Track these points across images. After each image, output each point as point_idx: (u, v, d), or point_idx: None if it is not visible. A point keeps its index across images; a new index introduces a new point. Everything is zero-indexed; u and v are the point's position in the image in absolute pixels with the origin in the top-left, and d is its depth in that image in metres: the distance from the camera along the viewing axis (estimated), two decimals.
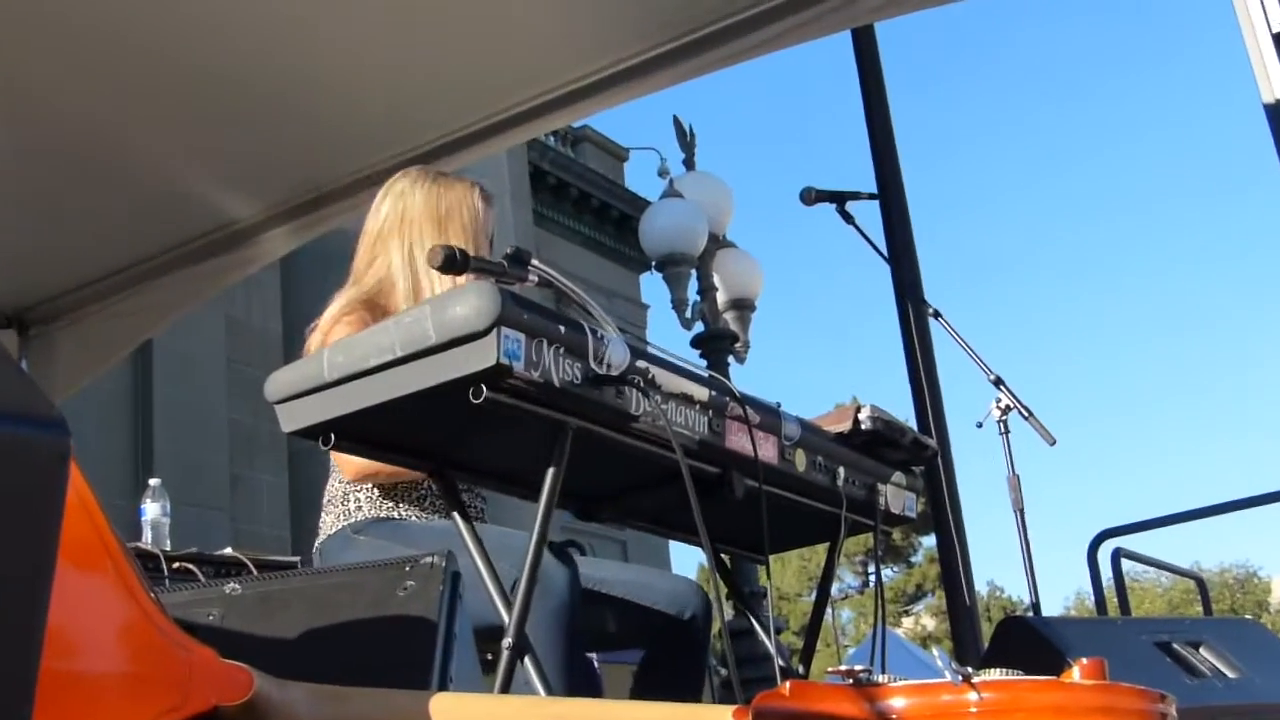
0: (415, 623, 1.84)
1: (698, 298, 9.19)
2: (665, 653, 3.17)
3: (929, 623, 39.36)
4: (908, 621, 39.57)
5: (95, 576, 1.36)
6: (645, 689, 3.15)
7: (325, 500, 3.19)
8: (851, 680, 1.58)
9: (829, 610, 3.31)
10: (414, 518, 3.09)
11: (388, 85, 4.60)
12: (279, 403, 2.33)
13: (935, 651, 1.56)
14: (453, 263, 2.24)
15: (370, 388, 2.22)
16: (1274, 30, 6.71)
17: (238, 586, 1.98)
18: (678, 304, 9.00)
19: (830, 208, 4.70)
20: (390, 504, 3.10)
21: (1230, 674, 3.21)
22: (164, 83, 4.39)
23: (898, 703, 1.56)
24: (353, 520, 3.08)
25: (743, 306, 9.22)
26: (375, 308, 3.11)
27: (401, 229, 3.21)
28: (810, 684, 1.59)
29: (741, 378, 10.66)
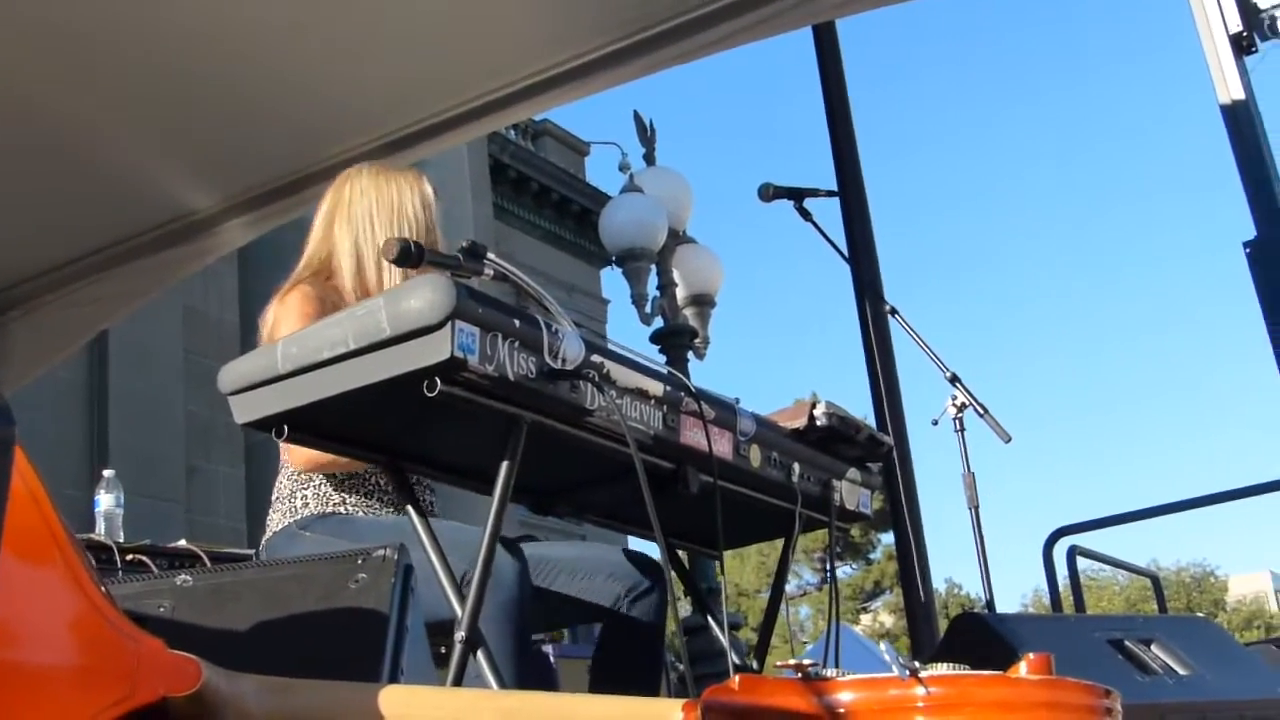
0: (367, 615, 1.83)
1: (657, 293, 9.19)
2: (620, 644, 3.18)
3: (887, 620, 39.49)
4: (865, 618, 39.71)
5: (42, 567, 1.35)
6: (601, 684, 3.16)
7: (274, 497, 3.17)
8: (801, 674, 1.59)
9: (784, 606, 3.32)
10: (361, 513, 3.07)
11: (347, 77, 4.59)
12: (233, 394, 2.33)
13: (883, 646, 1.56)
14: (408, 255, 2.24)
15: (324, 380, 2.21)
16: (1231, 32, 6.77)
17: (189, 578, 1.97)
18: (637, 299, 9.00)
19: (790, 204, 4.71)
20: (338, 499, 3.08)
21: (1182, 671, 3.24)
22: (123, 74, 4.37)
23: (845, 697, 1.57)
24: (299, 517, 3.06)
25: (702, 302, 9.23)
26: (325, 285, 3.12)
27: (349, 220, 3.23)
28: (760, 678, 1.60)
29: (701, 374, 10.69)
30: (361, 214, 3.23)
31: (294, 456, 3.09)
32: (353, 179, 3.28)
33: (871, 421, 5.64)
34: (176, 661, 1.39)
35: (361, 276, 3.17)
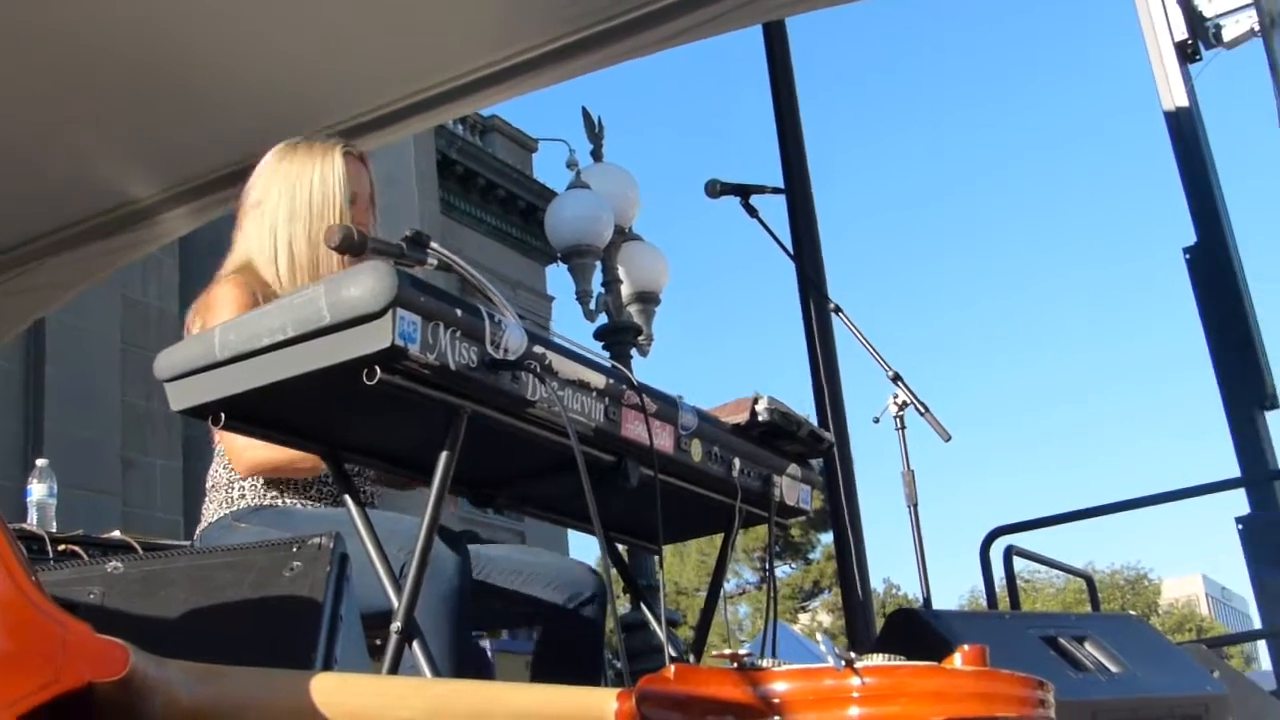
0: (301, 603, 1.82)
1: (602, 290, 9.18)
2: (559, 643, 3.17)
3: (825, 619, 39.67)
4: (804, 617, 39.88)
5: None
6: (541, 678, 3.15)
7: (209, 486, 3.12)
8: (736, 664, 1.59)
9: (722, 601, 3.32)
10: (299, 505, 3.05)
11: (290, 69, 4.55)
12: (169, 381, 2.30)
13: (819, 638, 1.57)
14: (350, 243, 2.22)
15: (262, 367, 2.19)
16: (1176, 40, 6.83)
17: (120, 565, 1.94)
18: (582, 296, 8.98)
19: (737, 201, 4.71)
20: (275, 492, 3.05)
21: (1114, 668, 3.27)
22: (63, 62, 4.32)
23: (780, 687, 1.57)
24: (235, 508, 3.03)
25: (647, 300, 9.22)
26: (249, 284, 3.08)
27: (263, 201, 3.19)
28: (695, 668, 1.60)
29: (645, 372, 10.68)
30: (263, 201, 3.19)
31: (236, 461, 3.04)
32: (261, 166, 3.24)
33: (814, 420, 5.66)
34: (104, 647, 1.37)
35: (278, 265, 3.12)
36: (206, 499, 3.12)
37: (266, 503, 3.04)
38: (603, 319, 9.10)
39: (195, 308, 3.13)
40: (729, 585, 35.31)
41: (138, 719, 1.43)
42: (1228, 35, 6.61)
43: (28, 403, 12.79)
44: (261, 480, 3.06)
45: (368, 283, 2.07)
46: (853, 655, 1.58)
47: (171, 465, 13.81)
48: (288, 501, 3.05)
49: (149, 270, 13.57)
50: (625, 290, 9.18)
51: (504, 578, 3.11)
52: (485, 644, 5.91)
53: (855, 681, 1.58)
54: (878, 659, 1.60)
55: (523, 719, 1.60)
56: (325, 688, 1.54)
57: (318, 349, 2.13)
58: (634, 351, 9.02)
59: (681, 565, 36.20)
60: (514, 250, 23.34)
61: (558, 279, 24.63)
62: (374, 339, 2.07)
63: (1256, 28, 6.34)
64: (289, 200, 3.15)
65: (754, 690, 1.56)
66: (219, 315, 2.91)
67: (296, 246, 3.12)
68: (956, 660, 1.62)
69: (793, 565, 39.11)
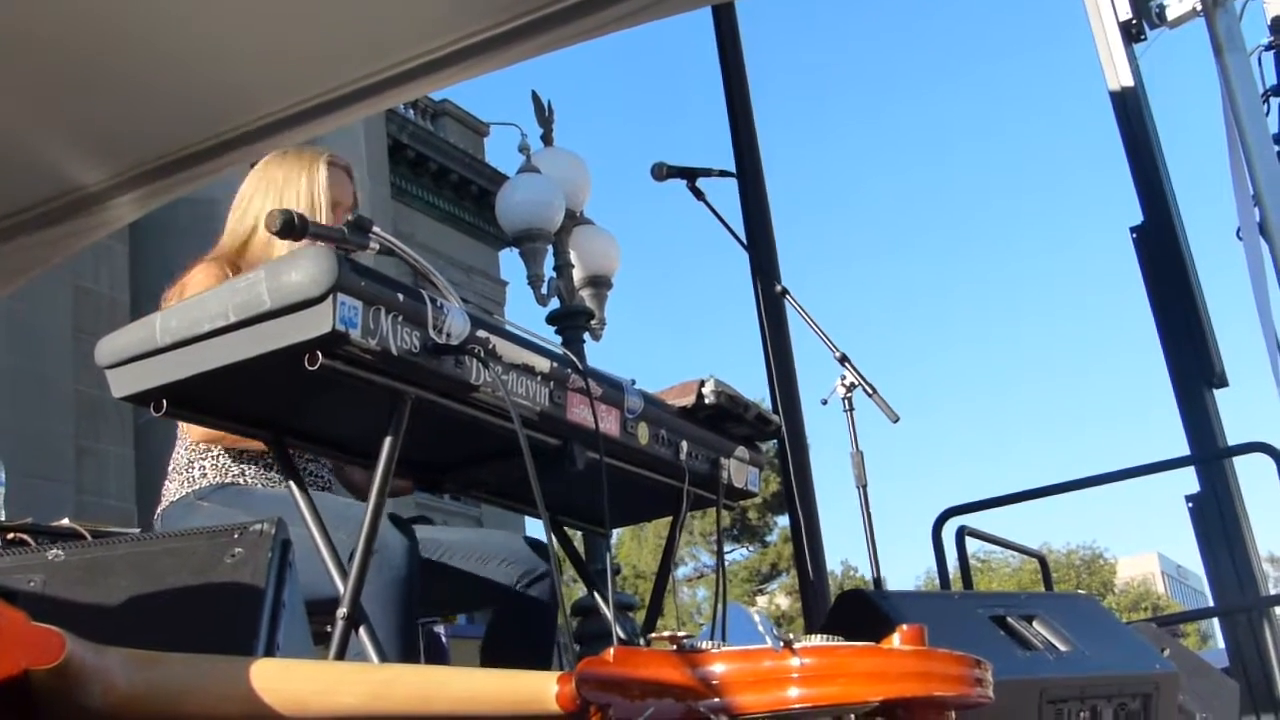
0: (242, 590, 1.81)
1: (554, 274, 9.15)
2: (510, 624, 3.18)
3: (783, 601, 39.84)
4: (762, 600, 40.01)
5: None
6: (491, 661, 3.16)
7: (170, 468, 3.17)
8: (676, 646, 1.60)
9: (672, 583, 3.33)
10: (260, 484, 3.07)
11: (238, 53, 4.50)
12: (110, 367, 2.29)
13: (757, 618, 1.58)
14: (290, 228, 2.21)
15: (203, 353, 2.18)
16: (1120, 20, 6.86)
17: (60, 553, 1.93)
18: (534, 280, 8.95)
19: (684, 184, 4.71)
20: (236, 470, 3.08)
21: (1062, 647, 3.30)
22: (6, 48, 4.27)
23: (719, 668, 1.58)
24: (197, 487, 3.05)
25: (599, 284, 9.20)
26: (230, 268, 3.13)
27: (249, 206, 3.34)
28: (635, 650, 1.60)
29: (597, 356, 10.69)
30: (248, 200, 3.36)
31: (191, 429, 3.08)
32: (252, 170, 3.34)
33: (768, 403, 5.68)
34: (40, 634, 1.37)
35: (255, 263, 3.17)
36: (168, 480, 3.15)
37: (229, 480, 3.06)
38: (555, 303, 9.07)
39: (167, 294, 3.16)
40: (686, 569, 35.40)
41: (76, 706, 1.43)
42: (1171, 15, 6.66)
43: None
44: (223, 459, 3.08)
45: (308, 268, 2.07)
46: (792, 636, 1.60)
47: (124, 453, 13.72)
48: (249, 480, 3.07)
49: (100, 258, 13.47)
50: (577, 274, 9.16)
51: (458, 559, 3.12)
52: (440, 630, 5.90)
53: (794, 662, 1.59)
54: (816, 640, 1.61)
55: (465, 703, 1.61)
56: (266, 673, 1.54)
57: (259, 334, 2.13)
58: (587, 336, 9.01)
59: (639, 549, 36.27)
60: (467, 235, 23.29)
61: (510, 264, 24.60)
62: (315, 324, 2.07)
63: (1199, 7, 6.39)
64: (277, 201, 3.26)
65: (693, 672, 1.57)
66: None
67: (275, 245, 3.16)
68: (895, 640, 1.63)
69: (750, 548, 39.25)
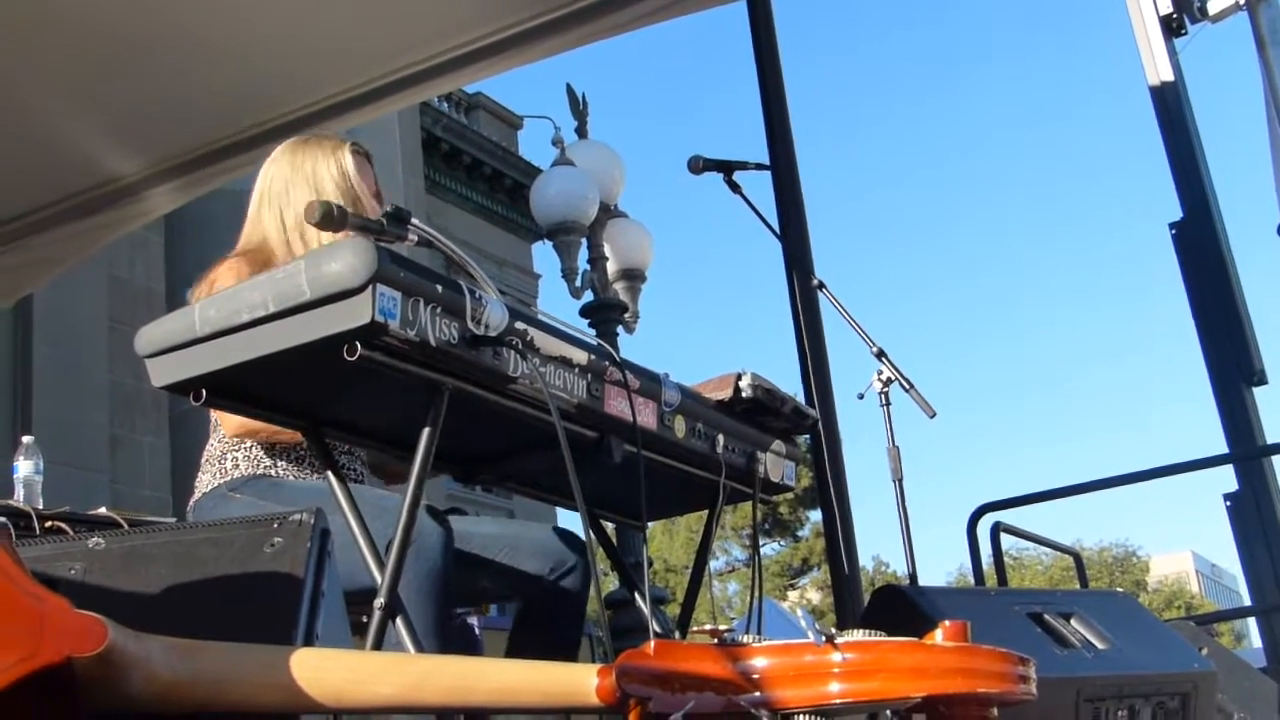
0: (282, 579, 1.81)
1: (588, 267, 9.15)
2: (539, 615, 3.18)
3: (814, 596, 39.76)
4: (793, 595, 39.96)
5: None
6: (518, 652, 3.16)
7: (204, 459, 3.18)
8: (716, 640, 1.59)
9: (708, 577, 3.32)
10: (291, 477, 3.08)
11: (275, 45, 4.55)
12: (149, 357, 2.29)
13: (799, 612, 1.57)
14: (330, 219, 2.21)
15: (243, 343, 2.18)
16: (1161, 14, 6.80)
17: (101, 540, 1.94)
18: (567, 273, 8.96)
19: (720, 177, 4.69)
20: (269, 463, 3.10)
21: (1100, 645, 3.27)
22: (48, 39, 4.31)
23: (760, 662, 1.57)
24: (229, 478, 3.07)
25: (633, 277, 9.20)
26: (258, 264, 3.11)
27: (274, 196, 3.27)
28: (675, 643, 1.59)
29: (631, 349, 10.67)
30: (281, 192, 3.27)
31: (225, 421, 3.10)
32: (273, 159, 3.33)
33: (800, 397, 5.65)
34: (82, 621, 1.37)
35: (292, 251, 3.18)
36: (201, 471, 3.16)
37: (260, 472, 3.08)
38: (589, 296, 9.07)
39: (196, 289, 3.16)
40: (718, 563, 35.38)
41: (117, 693, 1.43)
42: (1213, 9, 6.58)
43: (15, 382, 12.76)
44: (255, 451, 3.10)
45: (348, 258, 2.07)
46: (833, 631, 1.58)
47: (159, 443, 13.78)
48: (280, 472, 3.08)
49: (136, 248, 13.52)
50: (611, 267, 9.16)
51: (491, 550, 3.12)
52: (473, 620, 5.90)
53: (836, 657, 1.57)
54: (858, 634, 1.60)
55: (504, 694, 1.60)
56: (305, 662, 1.54)
57: (298, 325, 2.13)
58: (620, 329, 9.00)
59: (670, 543, 36.24)
60: (500, 228, 23.30)
61: (544, 256, 24.64)
62: (354, 315, 2.07)
63: (1242, 1, 6.32)
64: (312, 191, 3.21)
65: (734, 666, 1.56)
66: None
67: (308, 235, 3.16)
68: (938, 636, 1.62)
69: (781, 543, 39.18)
